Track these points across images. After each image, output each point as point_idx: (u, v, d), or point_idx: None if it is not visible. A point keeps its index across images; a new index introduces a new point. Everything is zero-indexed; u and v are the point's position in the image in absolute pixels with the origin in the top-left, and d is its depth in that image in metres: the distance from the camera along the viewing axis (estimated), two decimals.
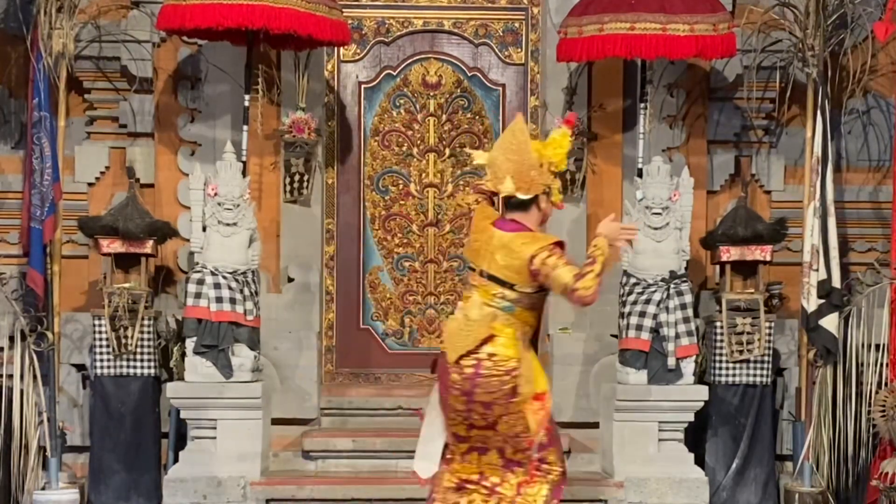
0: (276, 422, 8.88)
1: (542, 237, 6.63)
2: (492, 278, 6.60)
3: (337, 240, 9.53)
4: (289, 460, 8.92)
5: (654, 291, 8.55)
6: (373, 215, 9.57)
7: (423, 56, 9.64)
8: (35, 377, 8.63)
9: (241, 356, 8.49)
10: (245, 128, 8.87)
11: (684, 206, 8.69)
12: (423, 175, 9.60)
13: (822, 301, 8.69)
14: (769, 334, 8.89)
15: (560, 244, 6.56)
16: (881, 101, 9.52)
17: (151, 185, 9.29)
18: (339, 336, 9.55)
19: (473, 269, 6.72)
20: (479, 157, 6.85)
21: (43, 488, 8.49)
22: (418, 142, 9.61)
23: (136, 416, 8.83)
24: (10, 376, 8.70)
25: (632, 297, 8.58)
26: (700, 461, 8.76)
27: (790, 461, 9.06)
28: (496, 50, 9.59)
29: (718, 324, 8.89)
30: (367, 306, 9.61)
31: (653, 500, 8.49)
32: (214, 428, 8.45)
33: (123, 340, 8.74)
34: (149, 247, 8.83)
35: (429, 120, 9.62)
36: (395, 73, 9.60)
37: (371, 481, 8.58)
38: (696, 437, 8.86)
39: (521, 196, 6.62)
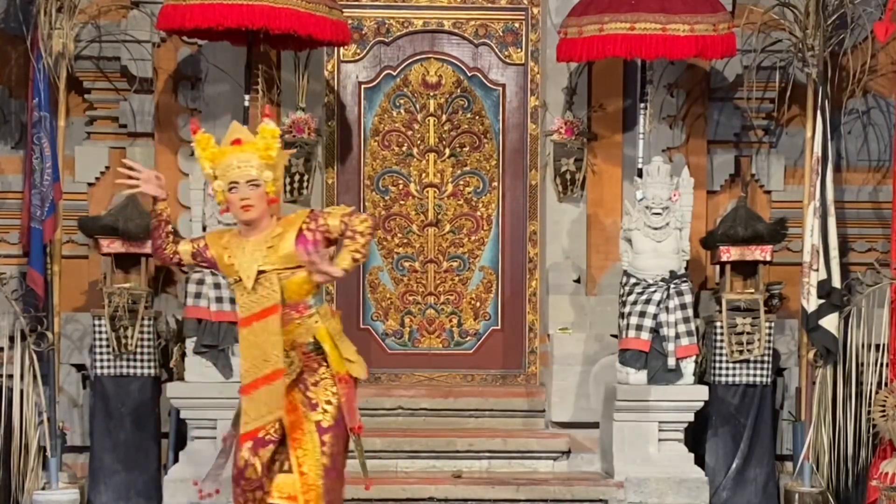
0: None
1: None
2: None
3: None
4: None
5: (654, 291, 8.56)
6: (372, 215, 9.57)
7: (423, 56, 9.64)
8: (35, 377, 8.63)
9: None
10: (245, 128, 8.85)
11: (684, 206, 8.69)
12: (423, 175, 9.61)
13: (822, 301, 8.69)
14: (769, 334, 8.89)
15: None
16: (881, 101, 9.52)
17: None
18: None
19: None
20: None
21: (43, 488, 8.49)
22: (418, 142, 9.61)
23: (136, 416, 8.83)
24: (10, 376, 8.70)
25: (632, 297, 8.58)
26: (700, 461, 8.76)
27: (790, 461, 9.06)
28: (496, 50, 9.59)
29: (718, 324, 8.89)
30: (367, 306, 9.61)
31: (653, 500, 8.49)
32: (214, 428, 8.44)
33: (123, 340, 8.75)
34: (149, 247, 8.80)
35: (429, 120, 9.62)
36: (395, 73, 9.60)
37: (371, 481, 8.57)
38: (696, 437, 8.86)
39: None
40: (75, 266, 9.16)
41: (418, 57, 9.64)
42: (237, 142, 6.37)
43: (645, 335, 8.53)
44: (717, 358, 8.92)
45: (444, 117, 9.61)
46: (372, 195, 9.58)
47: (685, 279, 8.64)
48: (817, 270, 8.69)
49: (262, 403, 6.30)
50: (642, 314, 8.54)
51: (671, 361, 8.53)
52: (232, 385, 8.41)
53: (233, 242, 6.38)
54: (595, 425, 8.95)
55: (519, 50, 9.60)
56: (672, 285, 8.57)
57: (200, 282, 8.45)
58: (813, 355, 8.83)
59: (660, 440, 8.58)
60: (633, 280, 8.63)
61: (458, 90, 9.61)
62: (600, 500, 8.51)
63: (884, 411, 8.58)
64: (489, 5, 9.60)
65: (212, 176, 6.36)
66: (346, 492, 8.42)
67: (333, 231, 6.36)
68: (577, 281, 9.30)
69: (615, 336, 8.86)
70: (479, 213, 9.62)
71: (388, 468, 8.79)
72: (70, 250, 9.14)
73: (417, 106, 9.60)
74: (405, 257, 9.59)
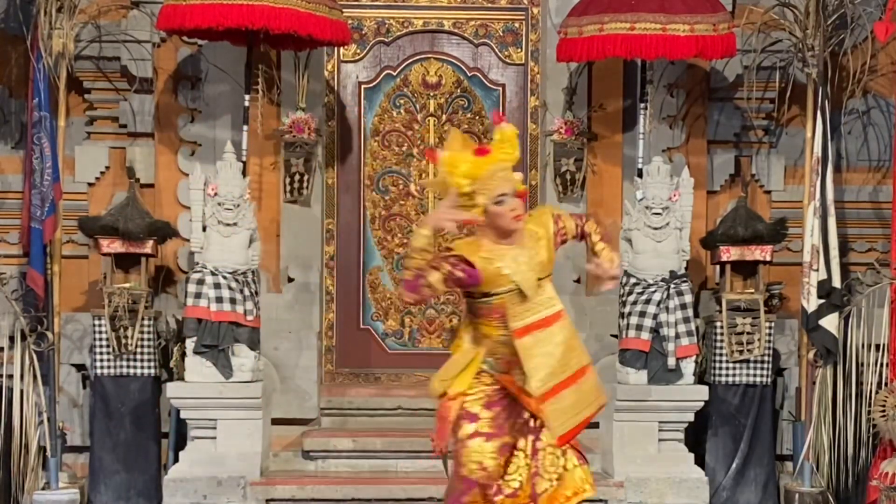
0: (276, 422, 8.89)
1: None
2: None
3: (337, 240, 9.53)
4: (289, 460, 8.92)
5: (654, 291, 8.56)
6: (373, 215, 9.57)
7: (423, 56, 9.64)
8: (35, 377, 8.63)
9: (241, 356, 8.49)
10: (245, 128, 8.87)
11: (684, 206, 8.69)
12: (423, 175, 9.60)
13: (822, 301, 8.68)
14: (769, 334, 8.89)
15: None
16: (881, 101, 9.52)
17: (151, 185, 9.29)
18: (339, 336, 9.54)
19: None
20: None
21: (43, 488, 8.49)
22: (418, 142, 9.61)
23: (136, 416, 8.83)
24: (10, 376, 8.70)
25: (632, 297, 8.58)
26: (700, 461, 8.76)
27: (790, 461, 9.07)
28: (496, 50, 9.60)
29: (718, 324, 8.89)
30: (367, 306, 9.61)
31: (653, 500, 8.49)
32: (214, 428, 8.46)
33: (123, 340, 8.75)
34: (149, 247, 8.83)
35: (429, 120, 9.62)
36: (395, 73, 9.61)
37: (371, 481, 8.58)
38: (696, 437, 8.86)
39: None
40: (75, 266, 9.16)
41: (418, 57, 9.64)
42: (484, 151, 6.10)
43: (645, 335, 8.53)
44: (717, 358, 8.92)
45: (444, 117, 9.61)
46: (372, 195, 9.58)
47: (685, 279, 8.64)
48: (817, 270, 8.69)
49: (570, 405, 6.25)
50: (642, 314, 8.54)
51: (671, 361, 8.53)
52: (232, 385, 8.44)
53: (493, 251, 6.17)
54: (595, 425, 8.93)
55: (519, 50, 9.60)
56: (672, 285, 8.57)
57: (200, 282, 8.45)
58: (813, 355, 8.83)
59: (660, 440, 8.58)
60: (633, 280, 8.63)
61: (458, 90, 9.61)
62: (600, 500, 8.50)
63: (884, 411, 8.58)
64: (489, 5, 9.61)
65: (468, 193, 6.06)
66: (342, 490, 8.49)
67: (569, 234, 6.34)
68: (577, 281, 9.29)
69: (615, 336, 8.86)
70: None
71: (388, 468, 8.79)
72: (70, 250, 9.14)
73: (417, 106, 9.60)
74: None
